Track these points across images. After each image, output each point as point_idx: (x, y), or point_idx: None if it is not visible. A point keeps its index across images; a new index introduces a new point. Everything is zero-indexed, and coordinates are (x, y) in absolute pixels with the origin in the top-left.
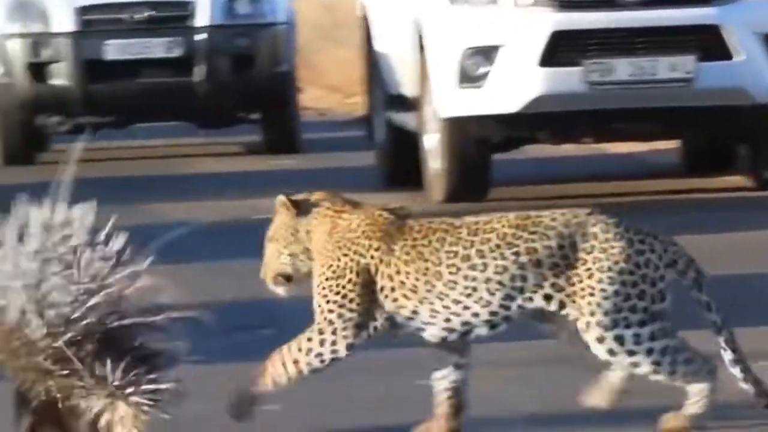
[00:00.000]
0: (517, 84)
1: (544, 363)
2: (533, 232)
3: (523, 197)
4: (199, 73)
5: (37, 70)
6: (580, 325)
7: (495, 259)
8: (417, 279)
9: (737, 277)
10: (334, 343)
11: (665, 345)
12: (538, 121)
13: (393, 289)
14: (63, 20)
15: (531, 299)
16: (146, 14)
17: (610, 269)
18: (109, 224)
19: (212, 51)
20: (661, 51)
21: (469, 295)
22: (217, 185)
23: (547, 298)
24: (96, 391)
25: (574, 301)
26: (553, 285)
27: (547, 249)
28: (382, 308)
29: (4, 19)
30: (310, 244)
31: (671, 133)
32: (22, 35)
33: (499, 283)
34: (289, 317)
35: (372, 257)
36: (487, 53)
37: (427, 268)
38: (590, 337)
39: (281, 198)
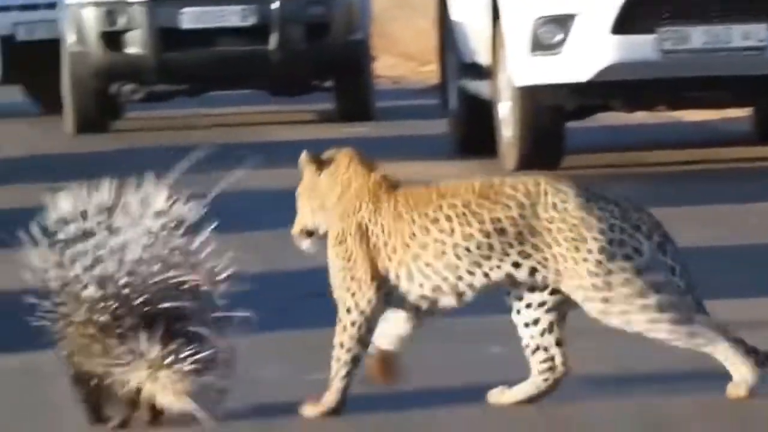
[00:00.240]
0: (590, 52)
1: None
2: (495, 202)
3: (596, 165)
4: (273, 41)
5: (111, 39)
6: (565, 288)
7: (461, 225)
8: (396, 240)
9: None
10: (357, 305)
11: (660, 301)
12: (611, 90)
13: (380, 249)
14: None
15: (499, 267)
16: None
17: (577, 237)
18: (186, 194)
19: (286, 19)
20: (735, 19)
21: (438, 258)
22: (291, 153)
23: (516, 265)
24: (136, 363)
25: (546, 267)
26: (520, 253)
27: (509, 219)
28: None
29: None
30: (326, 201)
31: (743, 102)
32: (96, 3)
33: (467, 249)
34: None
35: (362, 217)
36: (560, 21)
37: (404, 229)
38: (578, 298)
39: (304, 155)
